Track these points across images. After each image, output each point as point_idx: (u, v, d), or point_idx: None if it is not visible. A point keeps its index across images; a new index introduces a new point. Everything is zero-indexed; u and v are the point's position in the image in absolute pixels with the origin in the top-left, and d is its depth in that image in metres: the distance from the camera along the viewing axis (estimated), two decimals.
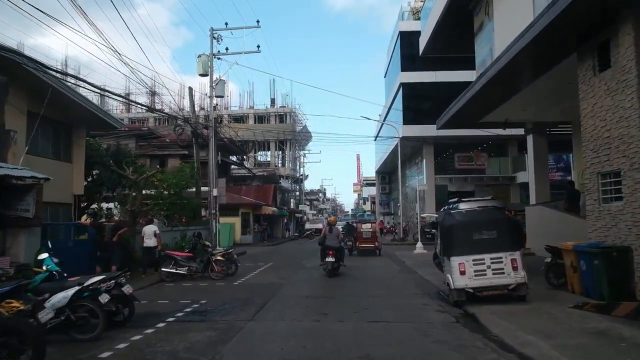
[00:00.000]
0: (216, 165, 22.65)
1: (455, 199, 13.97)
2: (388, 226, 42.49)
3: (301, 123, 63.02)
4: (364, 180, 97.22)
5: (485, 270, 8.18)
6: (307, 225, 51.80)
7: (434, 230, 30.00)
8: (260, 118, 61.20)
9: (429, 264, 15.35)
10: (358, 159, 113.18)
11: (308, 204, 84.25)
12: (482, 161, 32.92)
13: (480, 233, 8.39)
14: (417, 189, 32.50)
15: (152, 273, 13.07)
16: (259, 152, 61.37)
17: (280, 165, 60.60)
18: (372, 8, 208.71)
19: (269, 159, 60.70)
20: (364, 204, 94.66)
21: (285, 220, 37.86)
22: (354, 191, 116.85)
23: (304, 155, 65.54)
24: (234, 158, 52.62)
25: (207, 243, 13.15)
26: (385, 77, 43.84)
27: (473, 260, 8.21)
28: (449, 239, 8.60)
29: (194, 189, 23.40)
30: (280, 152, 61.70)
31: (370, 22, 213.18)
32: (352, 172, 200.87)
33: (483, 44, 15.98)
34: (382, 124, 40.91)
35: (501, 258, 8.19)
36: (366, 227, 21.40)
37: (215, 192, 21.24)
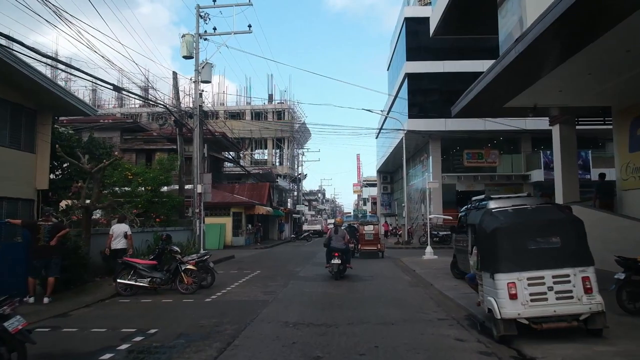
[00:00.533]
0: (202, 159, 20.28)
1: (482, 197, 11.59)
2: (391, 228, 40.07)
3: (300, 120, 60.63)
4: (364, 181, 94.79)
5: (545, 293, 5.76)
6: (305, 227, 49.45)
7: (442, 233, 27.68)
8: (257, 114, 58.85)
9: (444, 274, 12.99)
10: (358, 158, 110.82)
11: (307, 204, 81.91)
12: (493, 158, 30.51)
13: (537, 240, 5.97)
14: (425, 188, 30.13)
15: (108, 282, 10.67)
16: (256, 151, 59.00)
17: (277, 163, 58.29)
18: (371, 7, 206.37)
19: (266, 157, 58.35)
20: (364, 204, 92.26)
21: (281, 221, 35.47)
22: (354, 192, 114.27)
23: (303, 154, 63.24)
24: (229, 156, 50.32)
25: (176, 248, 10.69)
26: (388, 69, 41.46)
27: (528, 279, 5.79)
28: (491, 249, 6.14)
29: (178, 186, 20.99)
30: (278, 151, 59.37)
31: (369, 22, 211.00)
32: (352, 173, 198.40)
33: (509, 14, 13.58)
34: (385, 118, 38.54)
35: (568, 276, 5.78)
36: (368, 228, 20.39)
37: (199, 189, 18.82)
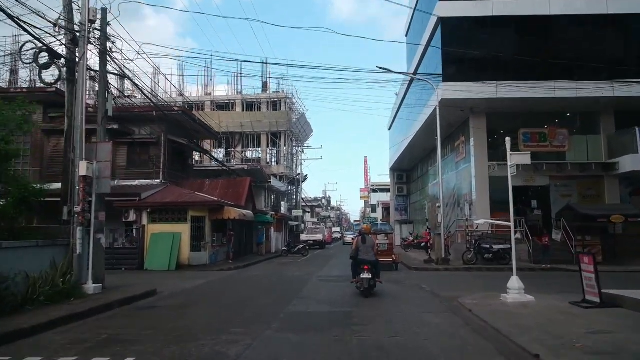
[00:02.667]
0: (103, 118, 11.66)
1: None
2: (410, 239, 31.17)
3: (299, 112, 51.96)
4: (372, 186, 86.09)
5: None
6: (304, 236, 40.69)
7: (497, 247, 18.62)
8: (250, 105, 50.45)
9: None
10: (365, 161, 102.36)
11: (309, 210, 73.12)
12: (560, 140, 21.65)
13: None
14: (462, 184, 21.43)
15: None
16: (249, 149, 50.43)
17: (274, 163, 49.71)
18: (374, 20, 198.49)
19: (259, 156, 49.73)
20: (373, 211, 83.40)
21: (262, 229, 26.61)
22: (361, 197, 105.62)
23: (302, 151, 54.61)
24: (223, 154, 41.62)
25: None
26: (406, 35, 32.80)
27: None
28: None
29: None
30: (273, 149, 50.84)
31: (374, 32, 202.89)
32: (359, 178, 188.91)
33: None
34: (409, 88, 29.70)
35: None
36: (382, 238, 17.96)
37: (83, 168, 10.15)
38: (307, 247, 29.31)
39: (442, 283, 13.50)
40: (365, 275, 10.63)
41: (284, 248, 29.07)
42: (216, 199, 21.01)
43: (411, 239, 30.92)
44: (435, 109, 20.43)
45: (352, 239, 24.05)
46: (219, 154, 50.15)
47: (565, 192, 21.84)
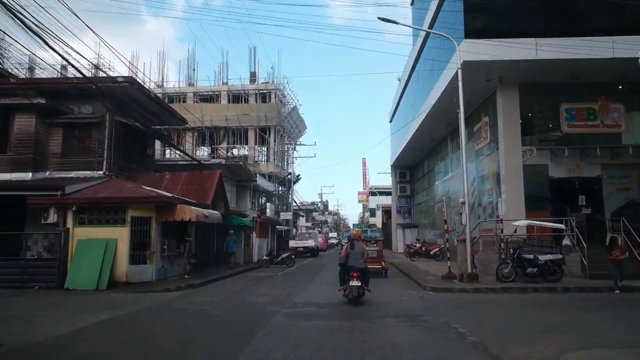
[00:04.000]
0: None
1: None
2: (418, 245, 26.15)
3: (290, 105, 46.97)
4: (371, 189, 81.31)
5: None
6: (293, 243, 35.67)
7: (544, 258, 12.79)
8: (236, 97, 45.52)
9: None
10: (364, 163, 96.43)
11: (303, 214, 68.08)
12: (615, 118, 16.76)
13: None
14: (501, 171, 16.61)
15: None
16: (235, 145, 45.44)
17: (263, 161, 44.72)
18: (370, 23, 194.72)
19: (247, 153, 44.70)
20: (373, 215, 78.46)
21: (233, 235, 21.23)
22: (359, 201, 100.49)
23: (294, 148, 49.69)
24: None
25: None
26: (412, 4, 27.97)
27: None
28: None
29: None
30: (262, 147, 45.95)
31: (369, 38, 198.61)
32: (357, 181, 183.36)
33: None
34: (416, 63, 24.94)
35: None
36: (371, 245, 17.18)
37: None
38: (293, 256, 24.28)
39: (486, 319, 8.54)
40: (355, 283, 10.18)
41: (264, 257, 24.04)
42: (166, 194, 16.02)
43: (418, 245, 25.89)
44: (451, 79, 15.55)
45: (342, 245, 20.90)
46: (204, 151, 45.23)
47: (623, 185, 16.90)
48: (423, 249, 25.26)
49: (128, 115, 19.55)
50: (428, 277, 15.67)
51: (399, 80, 32.91)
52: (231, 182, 28.33)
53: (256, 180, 33.50)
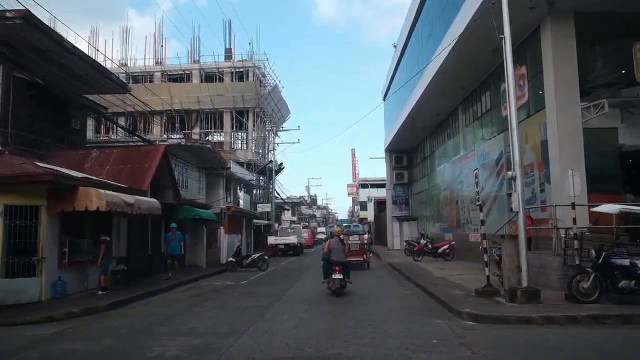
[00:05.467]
0: None
1: None
2: (423, 242, 21.18)
3: (271, 85, 41.60)
4: (361, 181, 76.50)
5: None
6: (272, 240, 30.60)
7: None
8: (210, 77, 40.19)
9: None
10: (353, 154, 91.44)
11: (288, 208, 62.91)
12: None
13: None
14: (551, 138, 11.75)
15: None
16: (210, 130, 40.09)
17: (244, 148, 39.45)
18: (356, 20, 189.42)
19: (222, 139, 39.36)
20: (364, 209, 73.58)
21: (177, 232, 15.60)
22: (349, 194, 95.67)
23: (276, 133, 44.57)
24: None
25: None
26: None
27: None
28: None
29: None
30: (240, 132, 40.78)
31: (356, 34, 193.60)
32: (346, 173, 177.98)
33: None
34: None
35: None
36: (354, 239, 18.59)
37: None
38: (267, 257, 19.20)
39: None
40: (337, 276, 10.91)
41: (230, 259, 18.87)
42: (58, 170, 10.73)
43: (423, 242, 20.93)
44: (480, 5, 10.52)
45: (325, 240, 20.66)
46: (174, 139, 39.76)
47: None
48: (429, 246, 20.36)
49: (34, 71, 14.22)
50: (453, 290, 10.71)
51: (395, 46, 27.88)
52: (199, 170, 23.20)
53: (229, 168, 28.10)
